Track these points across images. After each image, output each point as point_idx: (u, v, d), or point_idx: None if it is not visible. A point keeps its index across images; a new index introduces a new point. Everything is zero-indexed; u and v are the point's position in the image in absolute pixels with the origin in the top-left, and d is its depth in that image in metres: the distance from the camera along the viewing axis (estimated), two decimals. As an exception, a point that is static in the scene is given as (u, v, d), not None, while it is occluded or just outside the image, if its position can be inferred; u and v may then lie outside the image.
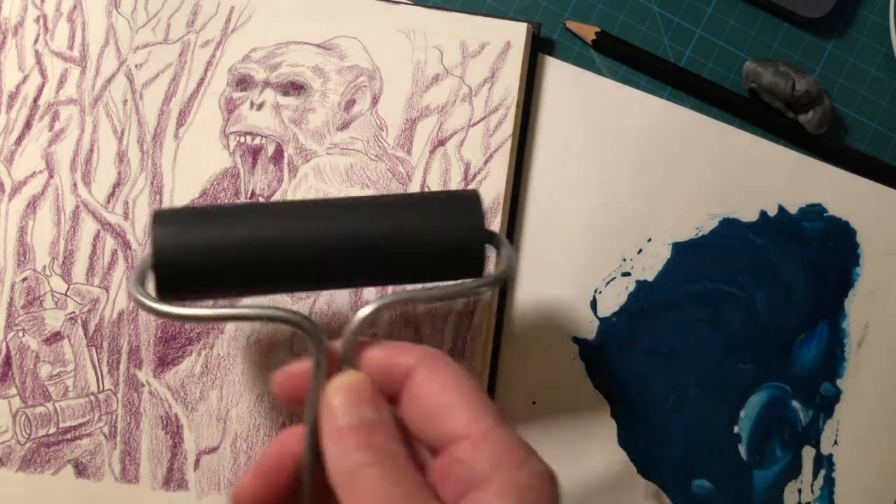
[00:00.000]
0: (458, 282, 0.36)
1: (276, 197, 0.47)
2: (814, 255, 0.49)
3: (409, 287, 0.37)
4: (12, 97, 0.47)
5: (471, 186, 0.47)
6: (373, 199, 0.37)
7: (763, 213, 0.49)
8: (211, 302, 0.41)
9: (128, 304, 0.46)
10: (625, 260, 0.49)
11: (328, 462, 0.31)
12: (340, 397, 0.31)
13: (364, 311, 0.33)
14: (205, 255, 0.34)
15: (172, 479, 0.45)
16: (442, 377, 0.32)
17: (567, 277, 0.48)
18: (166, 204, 0.47)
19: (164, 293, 0.35)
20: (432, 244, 0.36)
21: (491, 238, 0.38)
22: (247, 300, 0.41)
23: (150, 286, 0.35)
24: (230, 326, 0.46)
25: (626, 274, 0.49)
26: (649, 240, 0.49)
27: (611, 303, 0.48)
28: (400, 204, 0.37)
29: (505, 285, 0.47)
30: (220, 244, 0.35)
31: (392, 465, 0.30)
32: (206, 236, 0.35)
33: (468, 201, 0.37)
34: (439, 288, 0.36)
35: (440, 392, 0.32)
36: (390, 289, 0.44)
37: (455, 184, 0.47)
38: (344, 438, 0.30)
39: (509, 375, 0.47)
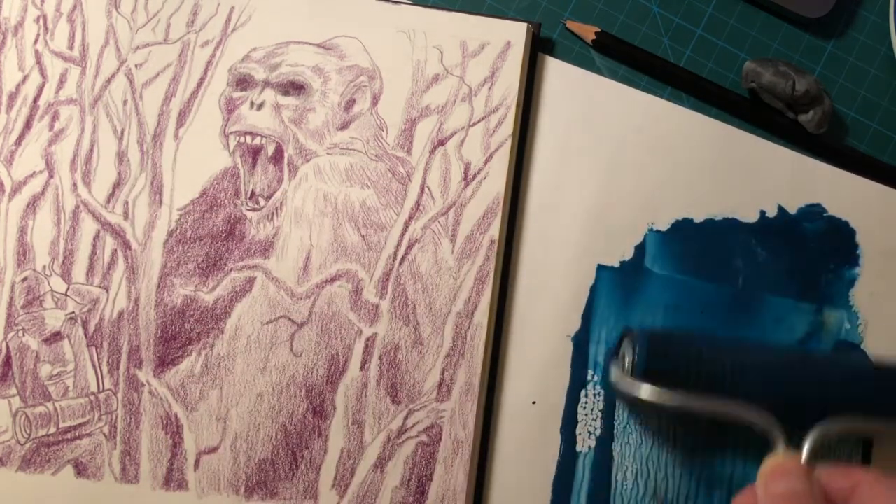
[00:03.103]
0: None
1: (277, 196, 0.47)
2: (813, 255, 0.49)
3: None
4: (12, 97, 0.47)
5: (471, 186, 0.47)
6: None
7: (763, 214, 0.49)
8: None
9: (128, 303, 0.46)
10: (624, 260, 0.49)
11: None
12: (771, 471, 0.38)
13: (826, 427, 0.40)
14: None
15: (172, 479, 0.45)
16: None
17: (567, 277, 0.48)
18: (166, 202, 0.47)
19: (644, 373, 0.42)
20: None
21: None
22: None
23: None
24: (230, 326, 0.46)
25: (626, 274, 0.49)
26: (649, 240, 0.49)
27: (611, 303, 0.48)
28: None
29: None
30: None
31: None
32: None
33: None
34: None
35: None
36: None
37: (455, 183, 0.47)
38: (773, 502, 0.37)
39: (509, 375, 0.47)
